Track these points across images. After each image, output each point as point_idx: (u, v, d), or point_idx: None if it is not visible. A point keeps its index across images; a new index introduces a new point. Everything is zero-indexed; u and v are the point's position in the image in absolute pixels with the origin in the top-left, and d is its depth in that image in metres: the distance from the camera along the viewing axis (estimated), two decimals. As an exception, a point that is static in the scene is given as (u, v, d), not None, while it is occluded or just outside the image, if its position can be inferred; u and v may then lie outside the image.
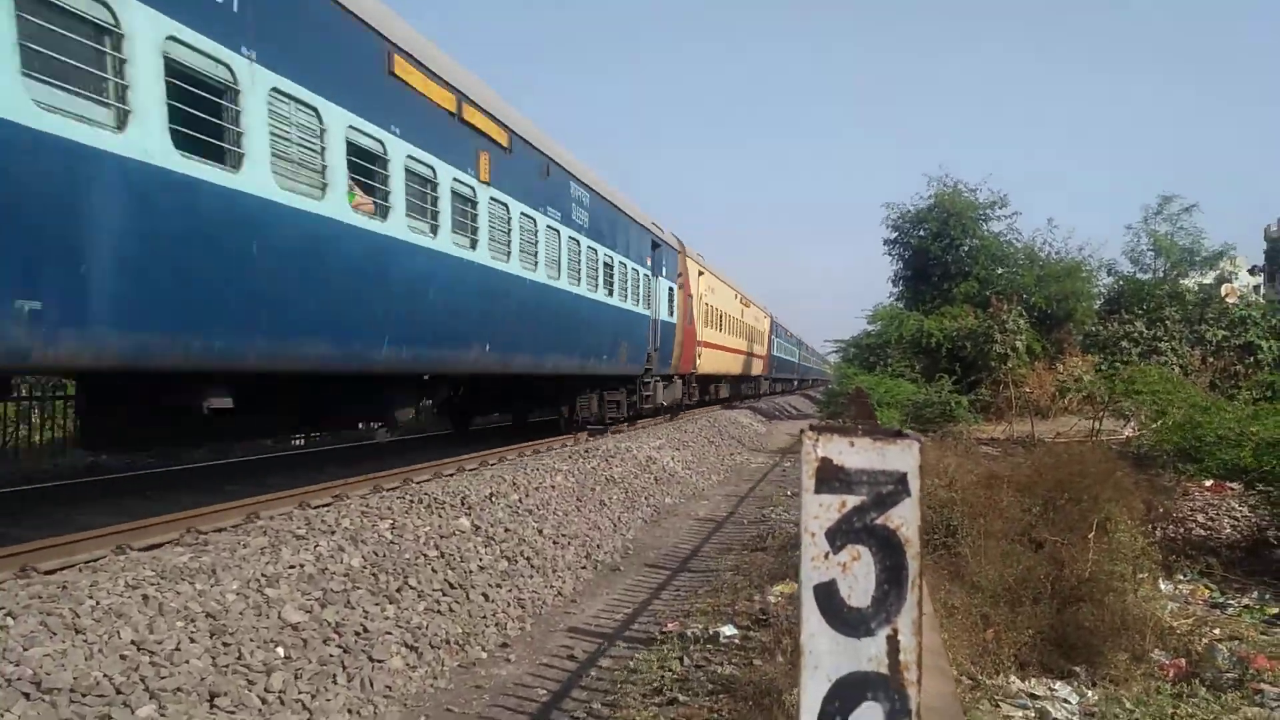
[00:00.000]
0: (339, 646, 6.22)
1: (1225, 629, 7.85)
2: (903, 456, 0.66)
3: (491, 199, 12.36)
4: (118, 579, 5.98)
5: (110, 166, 6.08)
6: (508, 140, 12.47)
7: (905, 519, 0.66)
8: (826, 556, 0.68)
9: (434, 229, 10.66)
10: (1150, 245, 34.51)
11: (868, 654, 0.69)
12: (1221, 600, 9.02)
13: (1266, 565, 10.08)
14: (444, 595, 7.68)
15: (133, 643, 5.28)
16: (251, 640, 5.81)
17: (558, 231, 15.31)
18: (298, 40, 8.24)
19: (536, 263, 14.18)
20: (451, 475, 11.97)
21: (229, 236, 7.34)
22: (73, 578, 6.06)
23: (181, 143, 6.71)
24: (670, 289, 23.54)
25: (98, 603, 5.57)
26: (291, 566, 6.95)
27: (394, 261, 9.79)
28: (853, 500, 0.68)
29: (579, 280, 16.50)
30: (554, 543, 10.32)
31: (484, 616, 7.75)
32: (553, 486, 12.43)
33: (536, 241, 14.18)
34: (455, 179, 11.22)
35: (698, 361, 27.31)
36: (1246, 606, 8.79)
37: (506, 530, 9.72)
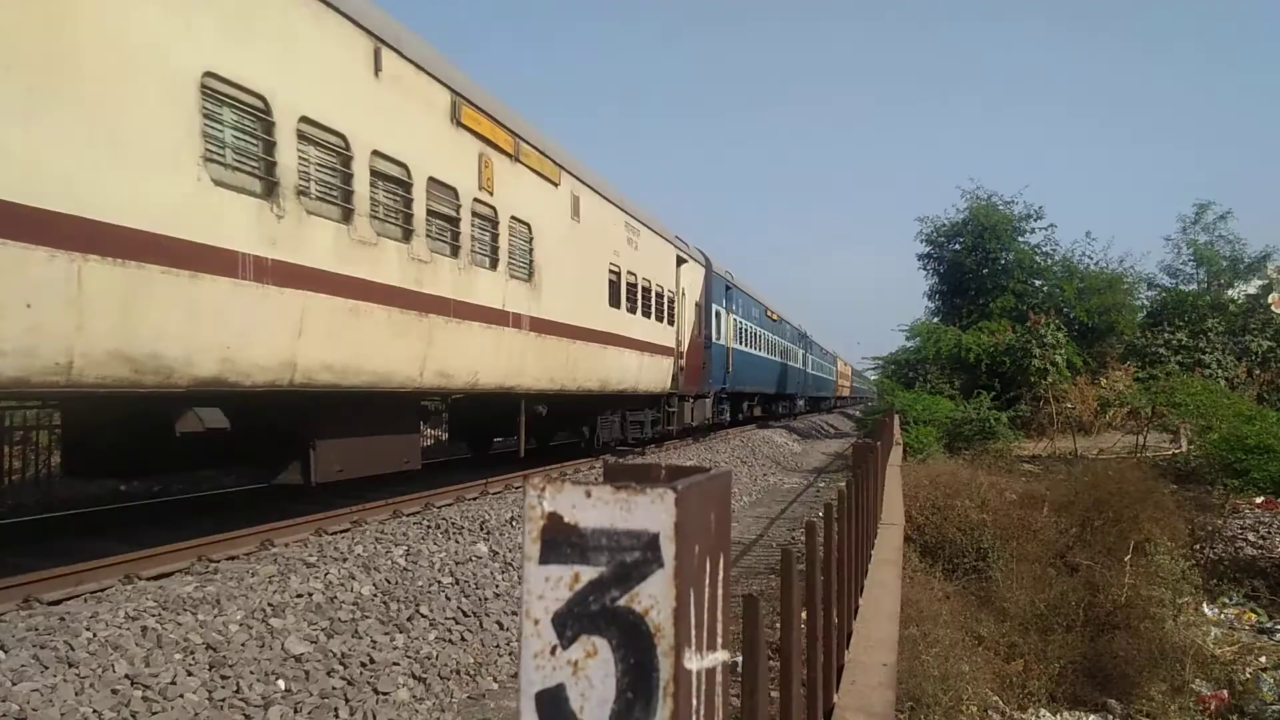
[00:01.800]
0: (343, 678, 6.06)
1: (1273, 657, 7.45)
2: (653, 512, 0.47)
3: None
4: (118, 610, 5.89)
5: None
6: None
7: (656, 599, 0.47)
8: (554, 652, 0.49)
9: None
10: (1190, 256, 33.68)
11: (605, 792, 0.50)
12: (1269, 625, 8.60)
13: (1317, 587, 9.63)
14: (456, 624, 7.51)
15: (126, 676, 5.17)
16: (251, 673, 5.67)
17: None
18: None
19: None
20: (474, 499, 11.83)
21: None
22: (75, 608, 5.99)
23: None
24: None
25: (94, 635, 5.48)
26: (299, 595, 6.82)
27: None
28: (588, 573, 0.49)
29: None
30: (575, 568, 10.12)
31: (497, 645, 7.55)
32: (577, 510, 12.25)
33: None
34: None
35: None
36: (1296, 632, 8.37)
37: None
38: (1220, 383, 24.28)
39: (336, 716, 5.68)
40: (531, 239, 12.91)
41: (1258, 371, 26.13)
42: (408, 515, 10.18)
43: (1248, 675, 6.77)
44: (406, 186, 9.68)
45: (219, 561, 7.61)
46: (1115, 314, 30.93)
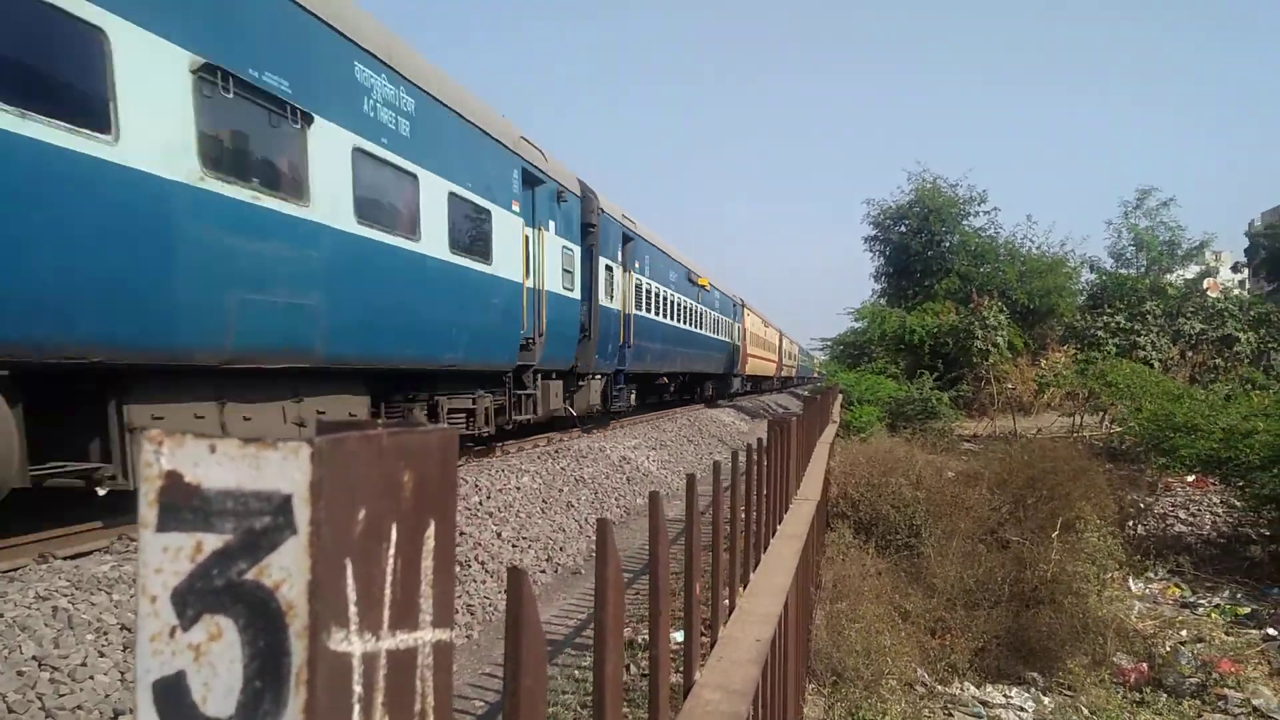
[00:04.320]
0: (264, 658, 5.93)
1: (1192, 630, 7.62)
2: (285, 470, 0.40)
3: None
4: (28, 590, 5.70)
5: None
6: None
7: (289, 571, 0.40)
8: (173, 634, 0.42)
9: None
10: (1131, 240, 34.38)
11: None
12: (1192, 600, 8.81)
13: (1238, 563, 9.87)
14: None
15: (34, 658, 5.01)
16: (168, 653, 5.52)
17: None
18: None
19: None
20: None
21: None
22: (-17, 589, 5.78)
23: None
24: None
25: (2, 615, 5.29)
26: (222, 574, 6.66)
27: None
28: (212, 541, 0.42)
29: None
30: (513, 546, 10.04)
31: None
32: (518, 488, 12.16)
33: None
34: None
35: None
36: (1217, 606, 8.57)
37: (461, 534, 9.44)
38: (1154, 364, 24.80)
39: (256, 697, 5.57)
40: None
41: (1190, 353, 26.75)
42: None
43: (1167, 648, 6.91)
44: None
45: (141, 540, 7.42)
46: (1055, 297, 31.49)
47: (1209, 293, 30.33)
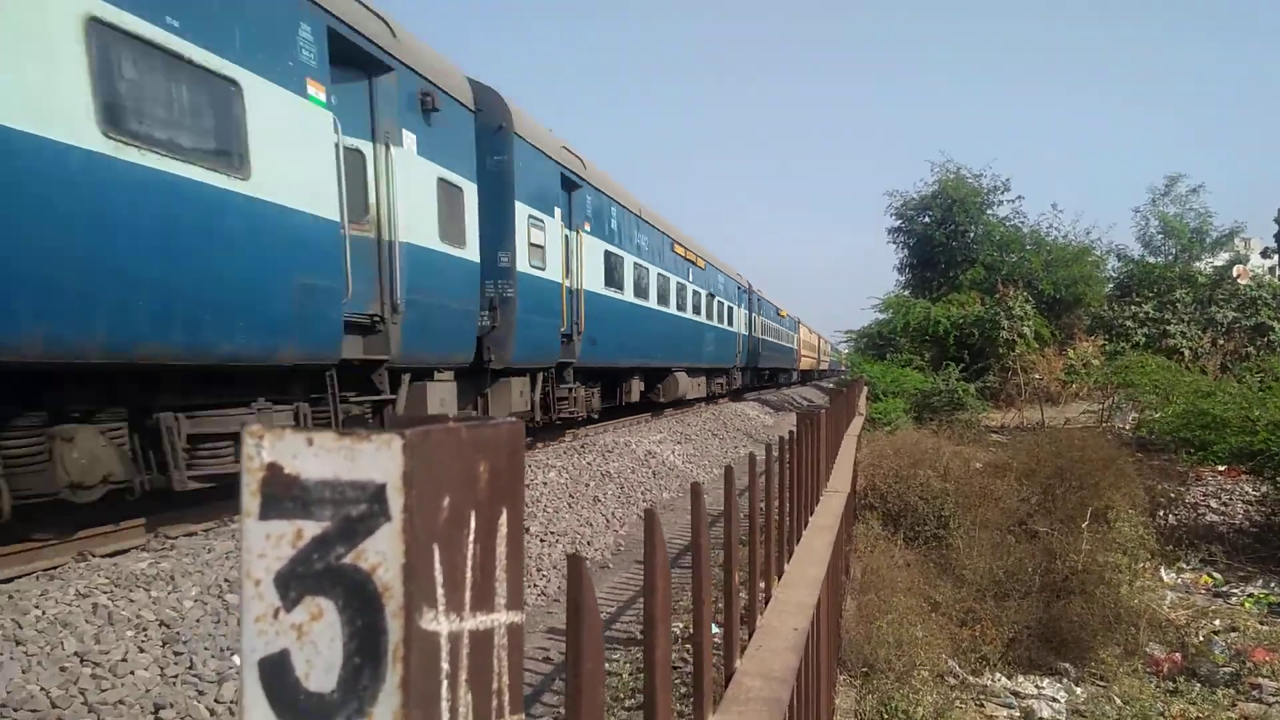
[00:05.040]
0: (299, 653, 6.01)
1: (1226, 619, 7.57)
2: (378, 460, 0.43)
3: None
4: (69, 587, 5.81)
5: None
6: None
7: (384, 555, 0.43)
8: (277, 615, 0.45)
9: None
10: (1159, 228, 33.99)
11: (334, 766, 0.46)
12: (1225, 589, 8.74)
13: (1272, 552, 9.78)
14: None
15: (76, 654, 5.10)
16: (205, 649, 5.61)
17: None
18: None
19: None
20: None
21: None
22: (24, 586, 5.90)
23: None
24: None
25: (44, 613, 5.40)
26: (257, 571, 6.75)
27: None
28: (312, 528, 0.45)
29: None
30: (541, 540, 10.11)
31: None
32: (544, 483, 12.23)
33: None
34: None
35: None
36: (1250, 595, 8.50)
37: (490, 529, 9.52)
38: (1184, 353, 24.52)
39: (292, 691, 5.65)
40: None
41: (1221, 341, 26.42)
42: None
43: (1200, 638, 6.87)
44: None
45: (176, 538, 7.52)
46: (1082, 286, 31.19)
47: (1239, 280, 29.93)
